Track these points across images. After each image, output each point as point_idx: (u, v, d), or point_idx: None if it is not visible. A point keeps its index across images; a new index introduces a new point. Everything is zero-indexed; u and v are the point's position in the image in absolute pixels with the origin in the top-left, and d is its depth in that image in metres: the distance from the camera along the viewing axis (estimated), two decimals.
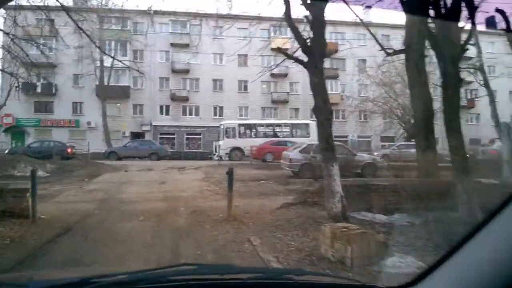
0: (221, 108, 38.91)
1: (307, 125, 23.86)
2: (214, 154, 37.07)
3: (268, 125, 24.52)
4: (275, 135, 23.54)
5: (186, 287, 1.14)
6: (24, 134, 34.19)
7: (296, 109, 39.51)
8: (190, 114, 38.68)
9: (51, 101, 36.53)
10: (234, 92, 39.04)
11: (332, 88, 39.83)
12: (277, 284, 1.14)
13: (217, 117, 38.49)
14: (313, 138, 23.43)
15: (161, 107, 38.15)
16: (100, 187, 11.01)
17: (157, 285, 1.14)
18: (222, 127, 23.52)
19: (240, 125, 24.33)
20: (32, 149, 20.92)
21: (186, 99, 38.10)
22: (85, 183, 10.99)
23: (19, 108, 34.50)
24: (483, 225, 0.86)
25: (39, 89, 35.41)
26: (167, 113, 38.20)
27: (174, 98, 37.78)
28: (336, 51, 40.75)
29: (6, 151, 24.08)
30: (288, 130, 24.19)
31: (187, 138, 38.05)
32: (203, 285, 1.14)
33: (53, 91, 36.06)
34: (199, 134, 38.09)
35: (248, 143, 21.65)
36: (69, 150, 22.58)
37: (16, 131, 34.39)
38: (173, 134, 37.56)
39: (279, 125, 24.31)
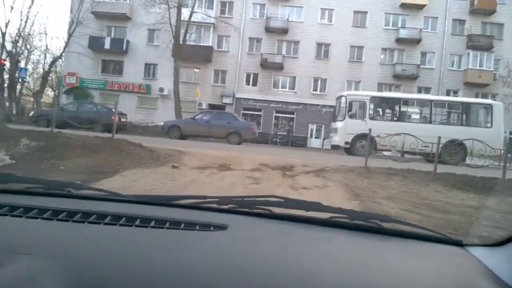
0: (324, 81, 31.02)
1: (488, 107, 14.90)
2: (311, 140, 31.17)
3: (421, 102, 15.77)
4: (430, 119, 14.94)
5: (270, 216, 1.19)
6: (88, 97, 30.01)
7: (427, 89, 30.04)
8: (283, 86, 31.45)
9: (120, 61, 31.90)
10: (343, 61, 30.83)
11: (482, 62, 29.69)
12: (362, 226, 1.16)
13: (318, 92, 30.91)
14: (497, 128, 14.59)
15: (248, 75, 31.46)
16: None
17: (244, 210, 1.22)
18: (343, 100, 15.39)
19: (374, 98, 16.00)
20: (66, 112, 15.28)
21: (280, 67, 30.86)
22: None
23: (85, 67, 30.52)
24: None
25: (107, 45, 30.90)
26: (254, 84, 31.41)
27: (265, 64, 30.77)
28: (492, 11, 30.34)
29: (31, 114, 19.12)
30: (456, 113, 15.37)
31: (276, 117, 30.97)
32: (288, 217, 1.18)
33: (124, 49, 31.31)
34: (293, 113, 30.79)
35: (384, 130, 13.71)
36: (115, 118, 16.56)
37: (80, 93, 30.36)
38: (260, 110, 30.75)
39: (440, 103, 15.32)
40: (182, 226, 0.99)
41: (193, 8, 25.03)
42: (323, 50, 31.28)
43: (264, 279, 0.77)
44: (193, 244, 0.90)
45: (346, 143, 15.11)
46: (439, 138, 8.91)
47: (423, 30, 30.55)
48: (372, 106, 15.46)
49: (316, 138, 30.25)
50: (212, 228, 1.00)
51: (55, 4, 56.63)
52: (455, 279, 0.88)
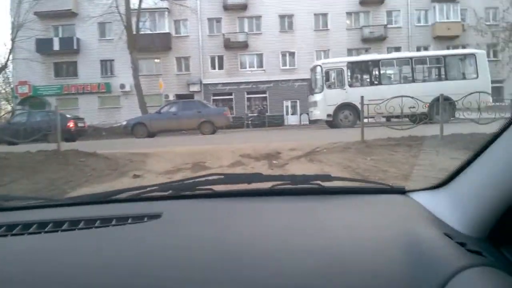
0: (291, 54, 29.77)
1: (471, 57, 13.95)
2: (288, 117, 29.71)
3: (400, 61, 14.58)
4: (412, 78, 13.88)
5: (211, 196, 1.17)
6: (45, 106, 27.78)
7: (397, 48, 29.23)
8: (251, 66, 30.02)
9: (73, 61, 29.61)
10: (309, 31, 29.61)
11: (449, 14, 29.11)
12: (304, 189, 1.17)
13: (287, 67, 29.71)
14: (483, 78, 13.77)
15: (213, 59, 29.84)
16: None
17: (184, 194, 1.19)
18: (318, 69, 14.15)
19: (351, 64, 14.83)
20: (15, 125, 13.46)
21: (244, 45, 29.37)
22: None
23: (36, 73, 28.20)
24: None
25: (56, 46, 28.57)
26: (220, 67, 29.84)
27: (228, 45, 29.19)
28: None
29: None
30: (438, 68, 14.31)
31: (248, 99, 29.64)
32: (229, 193, 1.17)
33: (75, 48, 29.03)
34: (264, 92, 29.52)
35: (366, 96, 12.62)
36: (70, 125, 14.75)
37: (35, 102, 28.03)
38: (230, 94, 29.32)
39: (421, 60, 14.15)
40: (113, 222, 0.96)
41: None
42: (286, 22, 29.93)
43: (200, 262, 0.74)
44: (122, 239, 0.87)
45: (328, 115, 14.01)
46: (442, 95, 7.84)
47: None
48: (350, 73, 14.36)
49: (292, 114, 29.14)
50: (145, 219, 0.96)
51: None
52: (397, 226, 0.88)
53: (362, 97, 7.74)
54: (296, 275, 0.69)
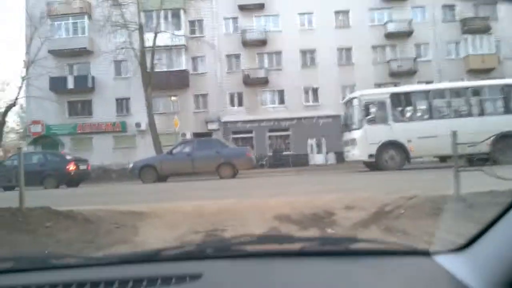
0: (315, 90, 28.13)
1: None
2: (313, 156, 27.51)
3: (453, 92, 12.45)
4: (469, 111, 11.73)
5: (245, 256, 1.21)
6: (58, 146, 26.50)
7: (428, 83, 27.11)
8: (272, 102, 28.47)
9: (88, 100, 28.58)
10: (333, 65, 28.06)
11: (482, 46, 27.27)
12: (331, 251, 1.19)
13: (310, 103, 28.03)
14: None
15: (232, 95, 28.43)
16: None
17: (221, 254, 1.21)
18: (356, 103, 12.15)
19: (395, 95, 12.71)
20: (7, 168, 11.76)
21: (264, 81, 27.93)
22: None
23: (50, 112, 27.21)
24: None
25: (71, 84, 27.69)
26: (240, 104, 28.34)
27: (248, 81, 27.80)
28: None
29: None
30: (499, 100, 12.05)
31: (270, 137, 27.77)
32: (263, 254, 1.20)
33: (90, 86, 28.08)
34: (287, 129, 27.65)
35: (415, 132, 10.56)
36: (71, 167, 12.80)
37: (48, 142, 26.79)
38: (250, 131, 27.53)
39: (478, 90, 11.99)
40: (159, 282, 0.99)
41: (156, 28, 22.01)
42: (308, 57, 28.54)
43: None
44: None
45: (370, 156, 11.84)
46: None
47: (413, 21, 28.07)
48: (394, 105, 12.30)
49: (318, 153, 27.00)
50: (187, 279, 1.00)
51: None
52: None
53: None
54: None
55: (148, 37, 21.84)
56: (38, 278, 1.03)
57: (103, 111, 28.01)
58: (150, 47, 21.76)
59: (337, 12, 28.49)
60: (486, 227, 0.89)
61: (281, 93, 28.33)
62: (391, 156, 11.43)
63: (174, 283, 0.97)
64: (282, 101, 28.27)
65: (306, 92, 28.22)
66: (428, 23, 28.40)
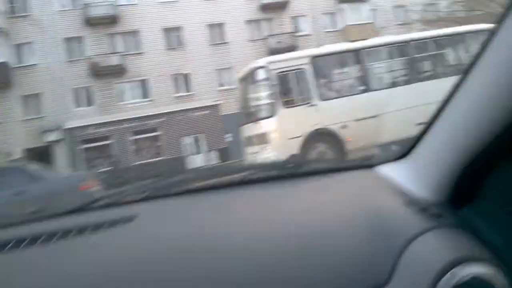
0: (185, 77, 23.18)
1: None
2: (193, 158, 22.26)
3: (398, 46, 8.85)
4: (431, 71, 7.99)
5: (184, 193, 1.14)
6: None
7: None
8: (133, 96, 22.69)
9: None
10: (204, 45, 23.41)
11: (359, 15, 25.70)
12: (277, 175, 1.18)
13: (182, 93, 22.98)
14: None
15: (77, 92, 21.88)
16: None
17: (160, 193, 1.16)
18: (261, 75, 7.73)
19: (318, 59, 8.52)
20: None
21: (120, 70, 22.03)
22: None
23: None
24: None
25: None
26: (89, 103, 21.91)
27: (97, 72, 21.56)
28: None
29: None
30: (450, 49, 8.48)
31: (135, 141, 21.95)
32: (202, 189, 1.14)
33: None
34: (155, 129, 22.09)
35: (349, 113, 6.70)
36: None
37: None
38: (107, 138, 21.27)
39: (422, 42, 8.20)
40: (89, 229, 0.93)
41: None
42: (173, 36, 23.34)
43: (171, 262, 0.76)
44: (96, 247, 0.87)
45: (292, 157, 7.44)
46: None
47: None
48: (318, 75, 7.95)
49: (198, 153, 22.19)
50: (120, 223, 0.94)
51: None
52: (360, 201, 0.91)
53: None
54: (265, 263, 0.73)
55: None
56: None
57: None
58: None
59: None
60: (423, 132, 0.89)
61: (144, 83, 22.69)
62: (321, 154, 7.41)
63: (105, 228, 0.91)
64: (146, 94, 22.70)
65: (175, 80, 23.11)
66: None
